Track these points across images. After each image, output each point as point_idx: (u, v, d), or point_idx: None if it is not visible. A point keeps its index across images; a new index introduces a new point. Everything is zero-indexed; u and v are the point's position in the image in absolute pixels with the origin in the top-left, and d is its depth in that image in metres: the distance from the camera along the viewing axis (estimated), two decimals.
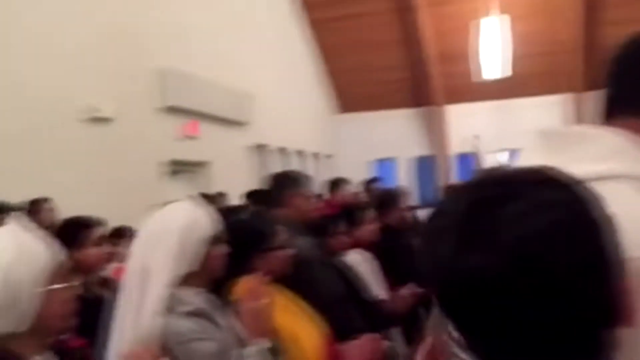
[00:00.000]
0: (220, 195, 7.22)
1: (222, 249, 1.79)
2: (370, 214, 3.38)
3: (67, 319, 1.28)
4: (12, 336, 1.17)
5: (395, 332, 3.18)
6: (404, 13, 11.03)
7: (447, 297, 0.67)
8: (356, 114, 12.83)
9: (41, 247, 1.25)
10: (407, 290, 3.00)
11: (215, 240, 1.75)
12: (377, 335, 2.16)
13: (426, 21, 10.90)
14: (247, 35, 9.06)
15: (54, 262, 1.25)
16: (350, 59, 11.88)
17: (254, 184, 9.17)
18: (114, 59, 6.07)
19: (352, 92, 12.53)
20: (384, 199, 3.98)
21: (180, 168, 7.55)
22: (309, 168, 11.13)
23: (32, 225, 1.27)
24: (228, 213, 2.66)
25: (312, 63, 11.92)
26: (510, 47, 9.20)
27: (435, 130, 12.46)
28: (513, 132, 10.76)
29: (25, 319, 1.17)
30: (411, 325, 3.45)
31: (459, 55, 10.97)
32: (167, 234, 1.62)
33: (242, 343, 1.72)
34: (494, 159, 12.21)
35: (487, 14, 8.70)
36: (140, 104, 6.50)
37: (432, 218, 0.71)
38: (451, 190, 5.40)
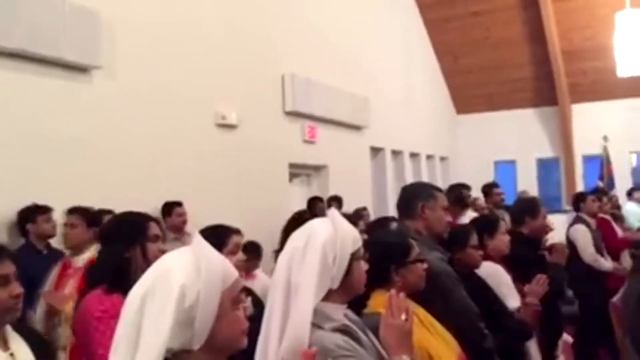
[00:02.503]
0: (335, 199, 7.26)
1: (364, 266, 1.77)
2: (504, 224, 3.24)
3: (242, 338, 1.27)
4: (187, 353, 1.18)
5: (532, 344, 3.04)
6: (527, 9, 10.61)
7: None
8: (474, 114, 12.48)
9: (218, 265, 1.23)
10: (533, 299, 2.87)
11: (357, 256, 1.74)
12: None
13: (550, 16, 10.40)
14: (366, 39, 9.07)
15: (229, 281, 1.24)
16: (468, 58, 11.57)
17: (369, 188, 9.19)
18: (238, 66, 6.29)
19: (470, 93, 12.23)
20: (525, 207, 3.83)
21: (298, 171, 7.70)
22: (424, 171, 10.97)
23: (209, 245, 1.25)
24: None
25: (428, 64, 11.73)
26: None
27: (559, 131, 11.83)
28: None
29: (200, 337, 1.17)
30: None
31: (585, 52, 10.40)
32: (312, 250, 1.63)
33: (381, 359, 1.71)
34: (625, 161, 11.42)
35: (622, 7, 8.09)
36: (263, 109, 6.70)
37: None
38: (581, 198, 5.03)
